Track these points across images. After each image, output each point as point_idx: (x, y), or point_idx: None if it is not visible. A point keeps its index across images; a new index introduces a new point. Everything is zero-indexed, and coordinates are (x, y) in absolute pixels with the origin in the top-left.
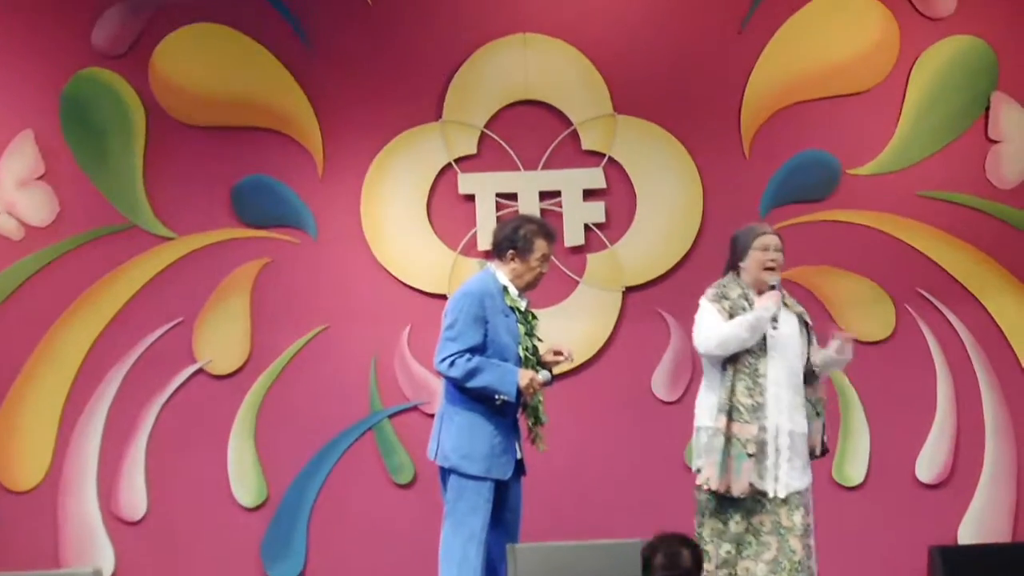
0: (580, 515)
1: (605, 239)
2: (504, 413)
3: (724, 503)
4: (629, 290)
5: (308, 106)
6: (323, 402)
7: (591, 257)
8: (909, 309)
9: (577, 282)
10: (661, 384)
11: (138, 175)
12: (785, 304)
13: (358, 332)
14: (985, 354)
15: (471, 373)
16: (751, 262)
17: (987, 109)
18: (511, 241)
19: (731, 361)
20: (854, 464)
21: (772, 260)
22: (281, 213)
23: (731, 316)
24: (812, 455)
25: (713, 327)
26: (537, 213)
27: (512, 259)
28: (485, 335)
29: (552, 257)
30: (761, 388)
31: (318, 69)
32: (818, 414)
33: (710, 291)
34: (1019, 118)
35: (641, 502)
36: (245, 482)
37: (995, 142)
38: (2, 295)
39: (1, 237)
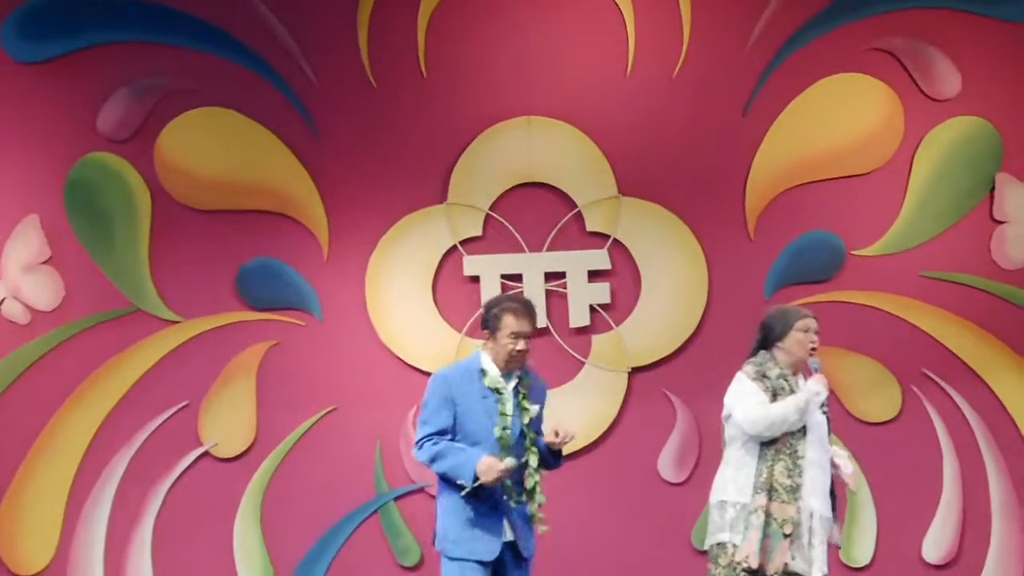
0: None
1: (610, 320)
2: (478, 495)
3: None
4: (635, 371)
5: (313, 189)
6: (329, 484)
7: (596, 338)
8: (915, 389)
9: (583, 363)
10: (667, 465)
11: (143, 259)
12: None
13: (363, 414)
14: (991, 434)
15: (434, 457)
16: (792, 343)
17: (992, 190)
18: (485, 321)
19: (772, 441)
20: (861, 545)
21: (814, 342)
22: (286, 296)
23: (773, 395)
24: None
25: (761, 408)
26: (542, 295)
27: (488, 339)
28: (455, 418)
29: (554, 334)
30: (800, 469)
31: (323, 152)
32: (833, 507)
33: (749, 368)
34: None
35: None
36: (251, 565)
37: (1000, 223)
38: (8, 379)
39: (7, 321)
